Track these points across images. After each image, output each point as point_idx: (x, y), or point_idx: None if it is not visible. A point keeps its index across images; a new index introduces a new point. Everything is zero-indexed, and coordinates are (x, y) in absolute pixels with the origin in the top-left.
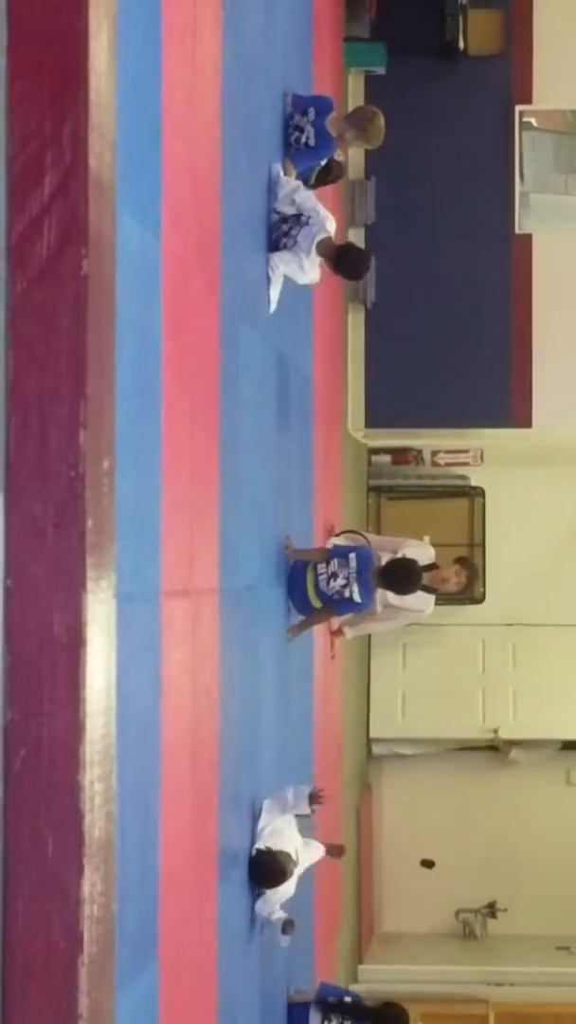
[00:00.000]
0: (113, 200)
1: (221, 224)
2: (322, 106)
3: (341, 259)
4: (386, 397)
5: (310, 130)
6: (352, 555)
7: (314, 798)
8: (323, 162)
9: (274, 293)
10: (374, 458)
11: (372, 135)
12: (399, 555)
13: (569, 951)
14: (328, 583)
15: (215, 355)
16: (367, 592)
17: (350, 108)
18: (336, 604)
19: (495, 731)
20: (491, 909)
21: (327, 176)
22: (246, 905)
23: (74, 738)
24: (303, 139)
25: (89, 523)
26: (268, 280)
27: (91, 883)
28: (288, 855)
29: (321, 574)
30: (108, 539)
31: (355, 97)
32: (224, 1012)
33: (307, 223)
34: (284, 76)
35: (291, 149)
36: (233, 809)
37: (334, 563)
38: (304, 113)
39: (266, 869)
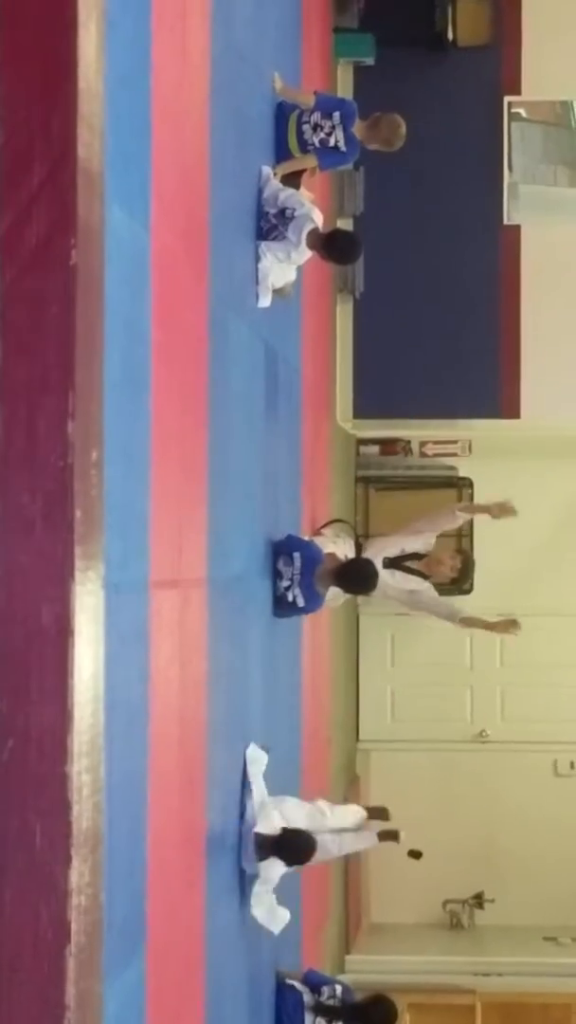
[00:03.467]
0: (102, 190)
1: (210, 214)
2: (348, 111)
3: (331, 246)
4: (375, 388)
5: (340, 135)
6: (297, 554)
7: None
8: (350, 164)
9: (264, 289)
10: (362, 449)
11: (397, 143)
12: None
13: (556, 941)
14: (277, 582)
15: (204, 346)
16: (312, 596)
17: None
18: (283, 607)
19: (482, 733)
20: (478, 900)
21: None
22: (234, 895)
23: (62, 728)
24: (331, 142)
25: (78, 514)
26: (256, 271)
27: (79, 873)
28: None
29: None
30: (97, 530)
31: (344, 88)
32: (212, 1002)
33: (292, 216)
34: (273, 66)
35: (311, 146)
36: (221, 800)
37: (280, 560)
38: (328, 115)
39: (295, 847)
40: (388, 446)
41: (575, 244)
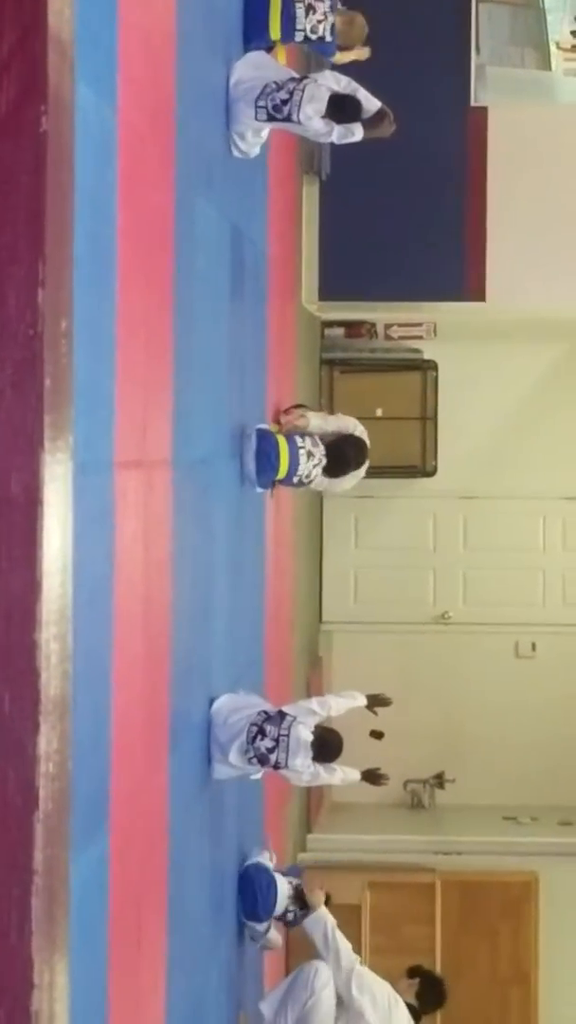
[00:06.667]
0: (72, 59)
1: (176, 93)
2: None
3: (339, 112)
4: (340, 270)
5: (328, 25)
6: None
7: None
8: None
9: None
10: (327, 331)
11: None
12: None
13: (516, 821)
14: (307, 462)
15: (170, 227)
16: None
17: None
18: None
19: (445, 614)
20: (439, 779)
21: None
22: (197, 775)
23: (31, 596)
24: (320, 31)
25: (47, 383)
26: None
27: (47, 740)
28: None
29: (301, 448)
30: (66, 400)
31: None
32: (174, 881)
33: (291, 97)
34: None
35: (300, 33)
36: (185, 680)
37: (308, 439)
38: None
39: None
40: (353, 328)
41: (541, 126)
